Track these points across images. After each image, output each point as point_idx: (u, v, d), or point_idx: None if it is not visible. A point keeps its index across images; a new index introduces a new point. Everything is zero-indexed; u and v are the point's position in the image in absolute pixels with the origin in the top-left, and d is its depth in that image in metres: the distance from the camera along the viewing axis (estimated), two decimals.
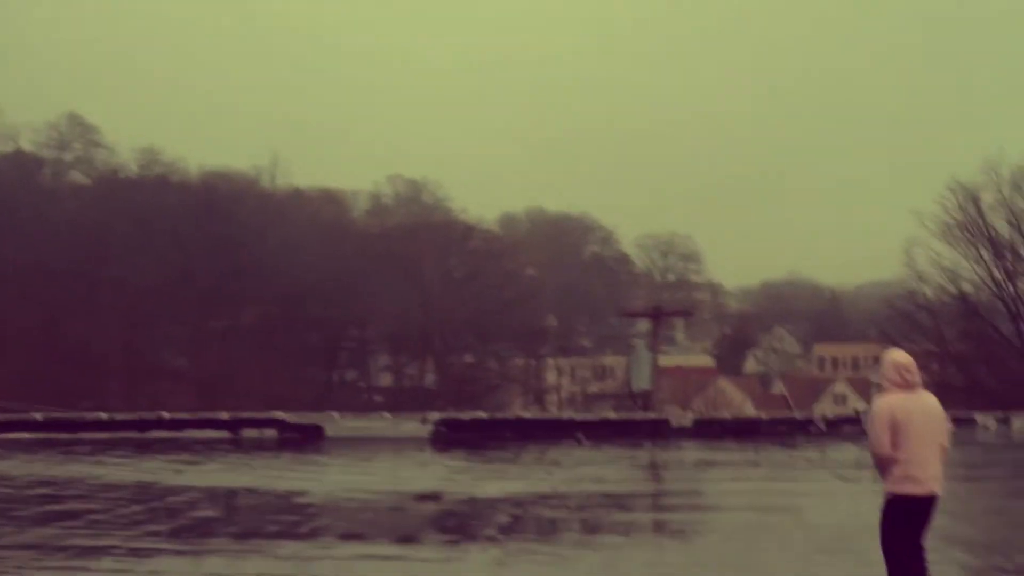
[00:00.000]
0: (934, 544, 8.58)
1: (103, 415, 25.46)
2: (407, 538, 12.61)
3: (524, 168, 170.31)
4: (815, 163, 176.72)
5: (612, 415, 28.92)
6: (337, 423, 25.50)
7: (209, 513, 14.46)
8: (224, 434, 24.73)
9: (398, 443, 24.26)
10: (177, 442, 23.80)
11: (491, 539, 12.60)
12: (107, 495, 15.99)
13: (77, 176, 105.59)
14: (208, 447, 22.97)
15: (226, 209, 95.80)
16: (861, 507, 15.48)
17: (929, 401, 8.65)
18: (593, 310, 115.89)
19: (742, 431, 25.47)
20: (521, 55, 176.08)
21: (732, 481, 18.28)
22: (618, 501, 15.97)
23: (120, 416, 25.65)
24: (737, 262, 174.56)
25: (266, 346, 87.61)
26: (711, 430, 25.54)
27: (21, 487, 16.95)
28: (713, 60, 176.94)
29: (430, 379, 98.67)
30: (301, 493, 16.42)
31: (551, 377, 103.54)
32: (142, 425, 24.76)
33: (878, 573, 10.42)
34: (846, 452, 23.61)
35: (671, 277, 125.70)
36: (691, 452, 22.39)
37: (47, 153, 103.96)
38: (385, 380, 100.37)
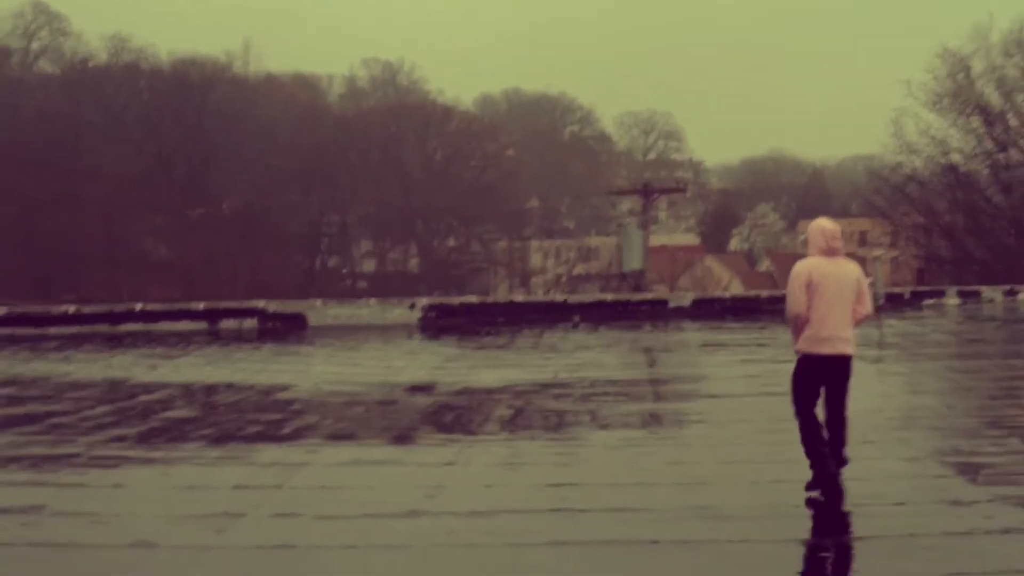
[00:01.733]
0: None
1: (71, 308, 24.23)
2: (401, 437, 11.70)
3: (500, 48, 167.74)
4: (797, 35, 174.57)
5: (608, 296, 28.07)
6: (320, 311, 24.34)
7: (183, 413, 13.43)
8: (201, 325, 23.46)
9: (385, 331, 23.12)
10: (151, 335, 22.56)
11: (493, 436, 11.72)
12: (73, 395, 14.99)
13: (45, 65, 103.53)
14: (184, 339, 21.77)
15: (199, 96, 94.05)
16: (888, 388, 14.90)
17: (848, 267, 8.95)
18: (575, 191, 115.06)
19: (743, 310, 24.65)
20: None
21: (742, 364, 17.46)
22: (624, 389, 15.17)
23: (89, 308, 24.24)
24: (718, 139, 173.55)
25: (247, 234, 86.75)
26: (711, 310, 24.69)
27: None
28: None
29: (414, 264, 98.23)
30: (283, 388, 15.42)
31: (536, 259, 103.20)
32: (114, 318, 23.41)
33: (923, 462, 9.89)
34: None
35: (652, 156, 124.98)
36: (693, 333, 21.51)
37: (13, 42, 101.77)
38: (368, 266, 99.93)
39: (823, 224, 9.11)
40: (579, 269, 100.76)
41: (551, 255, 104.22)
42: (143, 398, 14.77)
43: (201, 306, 24.27)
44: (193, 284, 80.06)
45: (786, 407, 13.52)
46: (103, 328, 23.08)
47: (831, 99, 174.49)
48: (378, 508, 8.71)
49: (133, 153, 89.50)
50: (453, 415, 13.24)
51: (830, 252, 8.92)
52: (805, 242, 9.19)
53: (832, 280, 8.84)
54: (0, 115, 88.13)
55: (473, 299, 27.11)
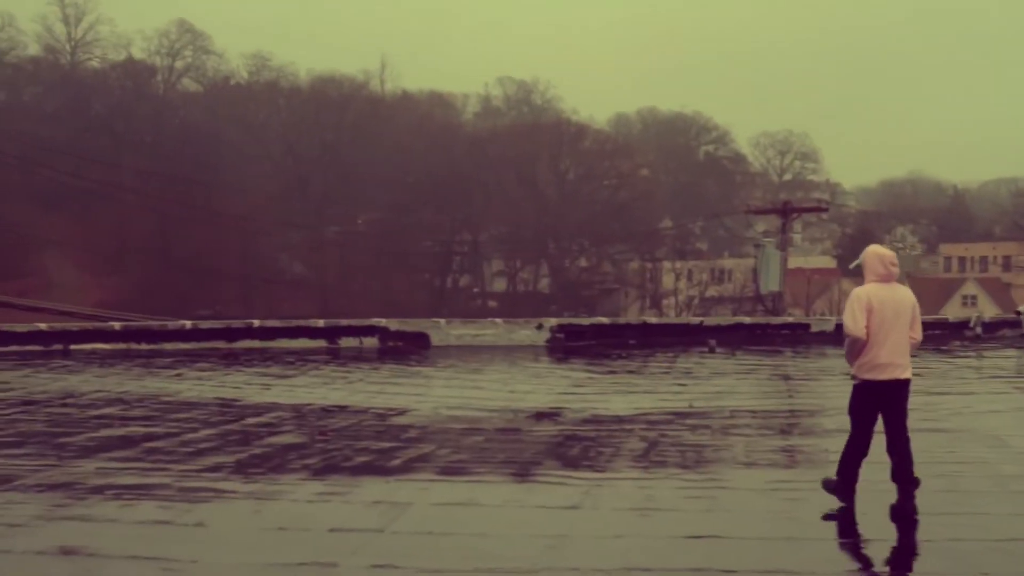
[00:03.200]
0: None
1: (187, 323, 23.79)
2: (522, 473, 10.49)
3: (636, 67, 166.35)
4: (938, 54, 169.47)
5: (746, 319, 26.63)
6: (444, 330, 23.32)
7: (289, 439, 12.45)
8: (320, 343, 22.72)
9: (511, 352, 22.06)
10: (268, 352, 21.88)
11: (623, 473, 10.49)
12: (178, 416, 14.20)
13: (188, 83, 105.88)
14: (302, 358, 21.00)
15: (336, 114, 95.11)
16: None
17: (904, 293, 9.06)
18: (709, 211, 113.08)
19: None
20: None
21: None
22: (767, 421, 13.80)
23: (206, 324, 23.70)
24: (856, 161, 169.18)
25: (380, 252, 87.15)
26: None
27: (85, 406, 15.11)
28: None
29: (544, 284, 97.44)
30: (400, 412, 14.45)
31: (668, 281, 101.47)
32: (230, 334, 22.82)
33: None
34: (1008, 358, 21.21)
35: (788, 177, 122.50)
36: (838, 360, 19.88)
37: (158, 61, 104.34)
38: (499, 285, 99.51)
39: (880, 251, 9.21)
40: (712, 291, 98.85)
41: (684, 276, 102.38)
42: (250, 421, 13.93)
43: (320, 323, 23.59)
44: (326, 301, 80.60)
45: (951, 445, 12.24)
46: (220, 345, 22.51)
47: (973, 120, 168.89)
48: (491, 561, 7.56)
49: (271, 170, 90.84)
50: (580, 447, 12.07)
51: (887, 278, 9.00)
52: (859, 267, 9.16)
53: (891, 305, 8.91)
54: (143, 132, 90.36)
55: (603, 320, 25.94)
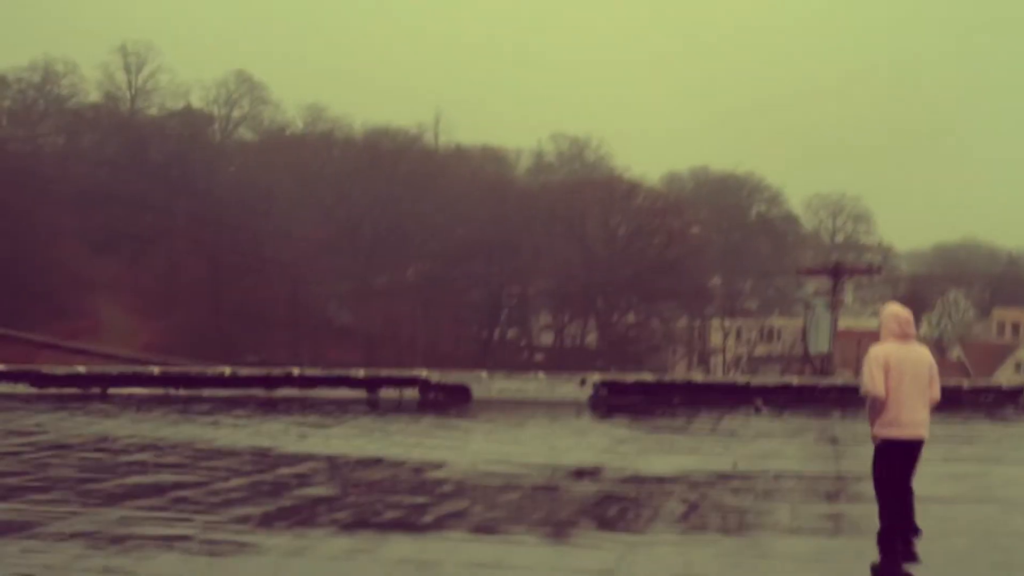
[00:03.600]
0: None
1: (227, 370, 23.67)
2: (556, 533, 10.18)
3: (689, 127, 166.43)
4: (992, 117, 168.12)
5: (794, 380, 26.12)
6: (485, 383, 22.92)
7: (320, 491, 12.25)
8: (360, 393, 22.45)
9: (553, 407, 21.70)
10: (307, 401, 21.69)
11: (662, 536, 10.15)
12: (210, 463, 14.05)
13: (245, 133, 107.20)
14: (341, 408, 20.77)
15: (389, 166, 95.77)
16: None
17: (921, 352, 9.29)
18: (759, 271, 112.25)
19: (942, 402, 22.31)
20: (682, 12, 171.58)
21: (945, 462, 15.46)
22: (813, 485, 13.40)
23: (246, 371, 23.54)
24: (909, 224, 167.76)
25: (429, 303, 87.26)
26: None
27: (117, 452, 14.99)
28: (883, 5, 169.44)
29: (592, 339, 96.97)
30: (436, 465, 14.21)
31: (716, 338, 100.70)
32: (269, 382, 22.63)
33: None
34: None
35: (840, 238, 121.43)
36: None
37: (216, 110, 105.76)
38: (546, 339, 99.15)
39: (896, 310, 9.36)
40: (761, 350, 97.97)
41: (732, 335, 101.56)
42: (283, 471, 13.74)
43: (361, 373, 23.35)
44: (373, 350, 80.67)
45: (1008, 518, 11.79)
46: (258, 392, 22.34)
47: None
48: None
49: (322, 219, 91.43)
50: (618, 508, 11.75)
51: (903, 337, 9.15)
52: (879, 327, 9.32)
53: (908, 364, 9.07)
54: (199, 179, 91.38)
55: (648, 377, 25.51)
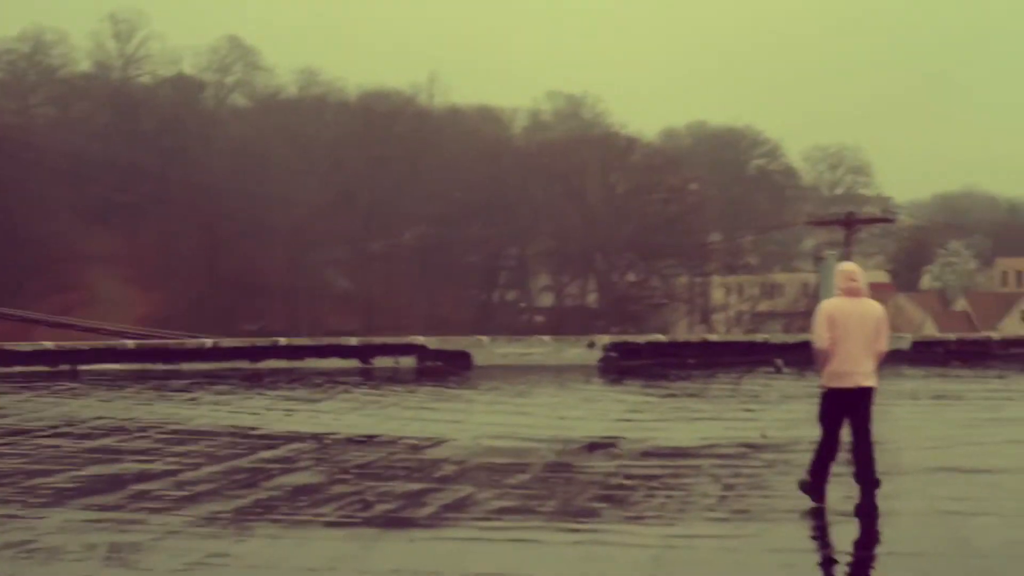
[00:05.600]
0: None
1: (207, 341, 22.12)
2: (576, 526, 9.01)
3: (684, 81, 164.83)
4: (991, 65, 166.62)
5: None
6: (487, 349, 21.67)
7: (304, 479, 11.21)
8: (353, 363, 21.06)
9: (560, 372, 20.55)
10: (295, 373, 20.31)
11: (701, 529, 8.93)
12: (182, 448, 12.89)
13: (238, 99, 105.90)
14: (332, 380, 19.44)
15: (384, 129, 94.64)
16: None
17: (869, 306, 9.74)
18: (758, 225, 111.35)
19: (971, 355, 21.38)
20: None
21: (993, 423, 14.49)
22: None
23: (228, 342, 22.13)
24: (909, 175, 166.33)
25: (427, 267, 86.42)
26: (933, 354, 21.50)
27: (79, 437, 13.90)
28: None
29: (592, 299, 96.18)
30: (436, 442, 13.17)
31: (718, 295, 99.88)
32: (254, 353, 21.22)
33: None
34: None
35: (839, 191, 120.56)
36: (917, 382, 18.47)
37: (208, 76, 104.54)
38: (545, 300, 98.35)
39: (843, 266, 10.02)
40: (763, 306, 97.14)
41: (733, 291, 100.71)
42: (263, 455, 12.63)
43: (353, 341, 22.08)
44: (372, 316, 79.92)
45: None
46: (243, 365, 20.96)
47: None
48: None
49: (318, 185, 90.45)
50: (643, 490, 10.68)
51: (851, 292, 9.66)
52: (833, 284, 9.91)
53: (854, 318, 9.54)
54: (193, 147, 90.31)
55: (660, 337, 24.62)
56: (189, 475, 11.36)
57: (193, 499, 10.19)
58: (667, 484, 11.07)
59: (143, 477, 11.20)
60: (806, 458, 11.83)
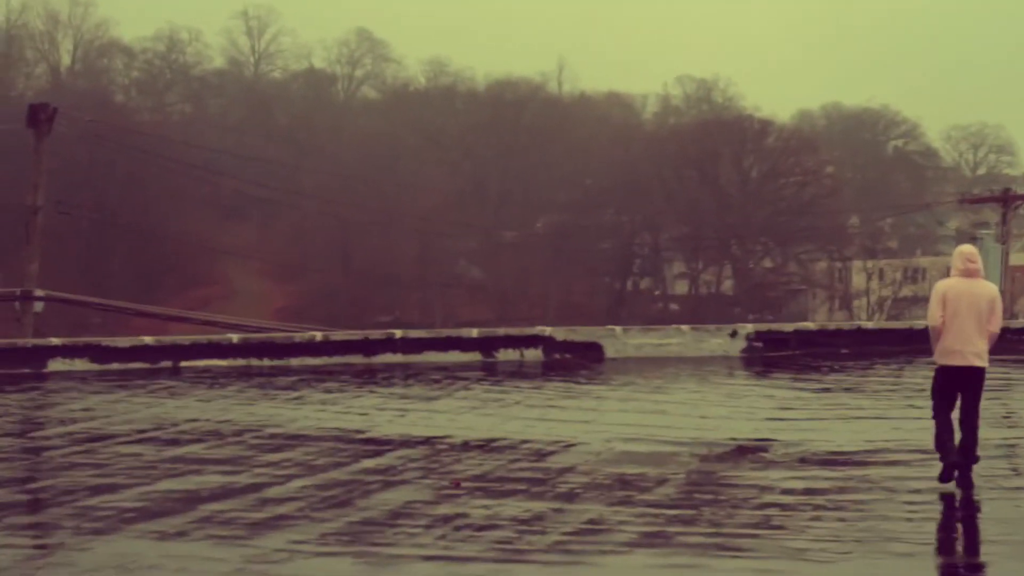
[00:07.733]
0: None
1: (317, 335, 20.75)
2: (728, 553, 7.69)
3: (819, 61, 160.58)
4: None
5: None
6: (620, 340, 20.14)
7: (407, 495, 9.85)
8: (474, 356, 19.54)
9: (700, 364, 19.09)
10: (411, 368, 18.78)
11: (883, 561, 7.43)
12: (275, 457, 11.74)
13: (368, 91, 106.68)
14: (451, 375, 17.93)
15: (513, 117, 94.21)
16: None
17: (983, 287, 9.93)
18: (898, 207, 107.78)
19: None
20: None
21: None
22: None
23: (340, 335, 20.56)
24: None
25: (558, 255, 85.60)
26: None
27: (165, 444, 12.64)
28: None
29: (728, 286, 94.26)
30: (562, 446, 11.84)
31: (858, 281, 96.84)
32: (368, 347, 19.68)
33: None
34: None
35: (982, 171, 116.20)
36: None
37: (339, 70, 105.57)
38: (680, 288, 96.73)
39: (961, 249, 10.23)
40: (905, 291, 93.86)
41: (875, 276, 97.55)
42: (365, 464, 11.30)
43: (474, 333, 20.73)
44: (504, 306, 79.41)
45: None
46: (355, 360, 19.57)
47: None
48: None
49: (448, 174, 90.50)
50: (809, 512, 9.06)
51: (967, 273, 9.90)
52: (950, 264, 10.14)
53: (966, 298, 9.77)
54: (324, 140, 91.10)
55: (810, 326, 23.13)
56: (275, 491, 10.18)
57: (273, 524, 9.01)
58: (835, 502, 9.58)
59: (220, 494, 10.05)
60: (997, 466, 10.57)
